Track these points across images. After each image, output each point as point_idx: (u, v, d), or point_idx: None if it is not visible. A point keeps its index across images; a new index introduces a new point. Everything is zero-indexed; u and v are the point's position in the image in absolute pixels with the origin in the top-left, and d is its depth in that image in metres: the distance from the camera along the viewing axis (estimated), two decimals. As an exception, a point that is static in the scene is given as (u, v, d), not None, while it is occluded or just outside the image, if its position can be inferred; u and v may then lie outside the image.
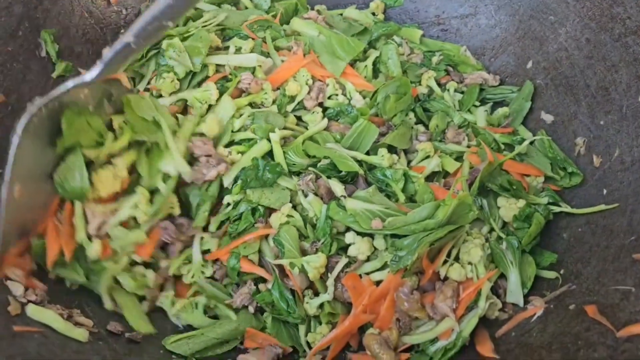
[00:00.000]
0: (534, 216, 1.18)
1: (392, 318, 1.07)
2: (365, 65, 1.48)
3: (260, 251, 1.15)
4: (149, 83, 1.40)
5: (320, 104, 1.37)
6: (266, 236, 1.15)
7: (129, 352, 0.98)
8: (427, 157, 1.30)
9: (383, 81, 1.44)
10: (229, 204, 1.18)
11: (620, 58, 1.19)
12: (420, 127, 1.40)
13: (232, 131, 1.25)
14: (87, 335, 0.94)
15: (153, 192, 1.10)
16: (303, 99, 1.35)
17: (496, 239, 1.18)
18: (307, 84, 1.36)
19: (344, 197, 1.13)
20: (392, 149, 1.27)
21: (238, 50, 1.42)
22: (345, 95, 1.39)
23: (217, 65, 1.39)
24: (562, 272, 1.13)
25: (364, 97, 1.38)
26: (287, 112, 1.34)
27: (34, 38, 1.26)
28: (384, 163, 1.20)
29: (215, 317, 1.14)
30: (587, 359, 0.85)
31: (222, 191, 1.19)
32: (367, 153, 1.24)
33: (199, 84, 1.37)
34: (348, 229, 1.12)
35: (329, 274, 1.10)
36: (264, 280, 1.14)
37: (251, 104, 1.32)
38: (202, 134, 1.21)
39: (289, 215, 1.14)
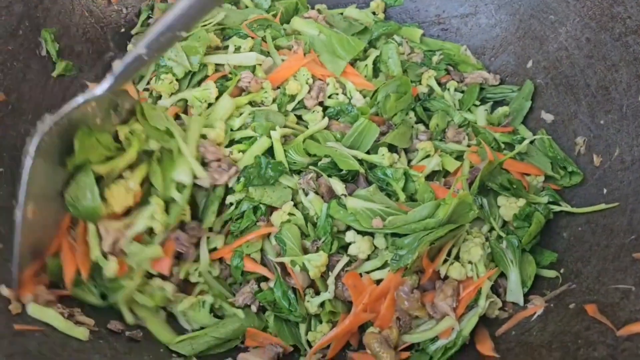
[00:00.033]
0: (534, 215, 1.18)
1: (393, 317, 1.07)
2: (366, 65, 1.48)
3: (262, 250, 1.15)
4: (148, 83, 1.40)
5: (321, 103, 1.37)
6: (268, 235, 1.16)
7: (129, 350, 0.98)
8: (428, 156, 1.30)
9: (383, 80, 1.45)
10: (231, 204, 1.18)
11: (621, 57, 1.19)
12: (421, 127, 1.40)
13: (232, 129, 1.26)
14: (88, 334, 0.94)
15: (166, 201, 1.09)
16: (303, 98, 1.35)
17: (496, 238, 1.19)
18: (307, 83, 1.36)
19: (345, 195, 1.13)
20: (392, 148, 1.28)
21: (237, 49, 1.42)
22: (345, 94, 1.39)
23: (217, 64, 1.39)
24: (562, 271, 1.13)
25: (364, 97, 1.38)
26: (288, 111, 1.34)
27: (34, 37, 1.26)
28: (385, 162, 1.20)
29: (218, 317, 1.14)
30: (587, 358, 0.85)
31: (227, 191, 1.19)
32: (368, 152, 1.24)
33: (199, 84, 1.37)
34: (348, 227, 1.12)
35: (329, 273, 1.10)
36: (266, 280, 1.14)
37: (251, 103, 1.33)
38: (203, 136, 1.21)
39: (290, 214, 1.14)
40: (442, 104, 1.44)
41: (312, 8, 1.66)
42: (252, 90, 1.33)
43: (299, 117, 1.35)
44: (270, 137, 1.20)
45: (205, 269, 1.13)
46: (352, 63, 1.46)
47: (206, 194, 1.17)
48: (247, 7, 1.61)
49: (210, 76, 1.37)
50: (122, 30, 1.50)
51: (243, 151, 1.22)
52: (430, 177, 1.26)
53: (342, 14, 1.67)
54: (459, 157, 1.31)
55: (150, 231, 1.07)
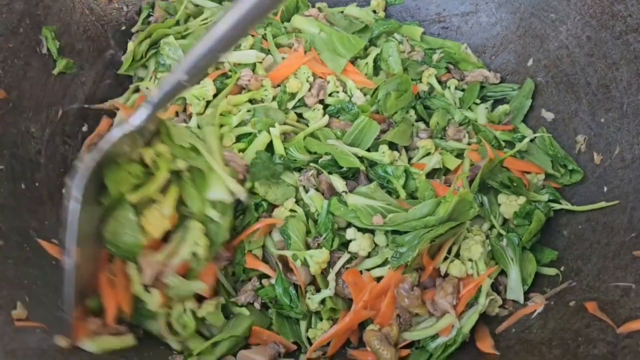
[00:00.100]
0: (534, 213, 1.18)
1: (393, 314, 1.07)
2: (366, 63, 1.48)
3: (264, 247, 1.15)
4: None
5: (321, 101, 1.37)
6: (270, 231, 1.16)
7: (130, 347, 0.99)
8: (428, 154, 1.30)
9: (384, 78, 1.44)
10: None
11: (621, 56, 1.19)
12: (421, 125, 1.40)
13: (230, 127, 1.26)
14: (133, 337, 0.95)
15: (203, 222, 1.06)
16: (304, 96, 1.35)
17: (497, 236, 1.19)
18: (307, 81, 1.36)
19: (345, 192, 1.13)
20: (392, 146, 1.28)
21: (237, 47, 1.42)
22: (346, 92, 1.39)
23: (217, 62, 1.39)
24: (562, 269, 1.13)
25: (365, 95, 1.38)
26: (288, 109, 1.34)
27: (35, 35, 1.26)
28: (385, 160, 1.20)
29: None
30: (587, 355, 0.85)
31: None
32: (368, 150, 1.24)
33: (199, 82, 1.37)
34: (349, 225, 1.12)
35: (330, 270, 1.10)
36: (268, 277, 1.14)
37: (251, 101, 1.33)
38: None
39: (291, 210, 1.14)
40: (443, 102, 1.44)
41: (313, 6, 1.65)
42: (252, 88, 1.33)
43: (300, 115, 1.35)
44: (270, 133, 1.20)
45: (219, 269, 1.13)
46: (353, 61, 1.46)
47: None
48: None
49: (210, 74, 1.37)
50: (123, 28, 1.50)
51: (243, 150, 1.22)
52: (430, 175, 1.26)
53: (342, 12, 1.66)
54: (460, 155, 1.31)
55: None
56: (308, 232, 1.14)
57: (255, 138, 1.21)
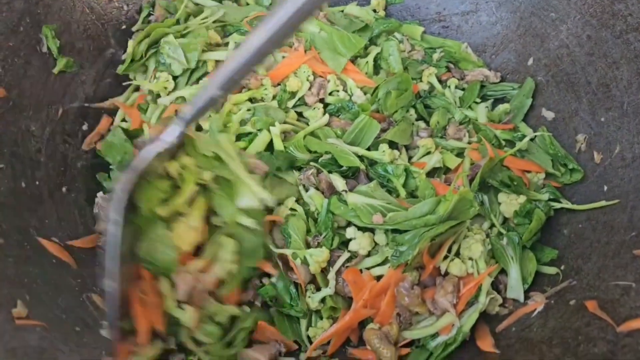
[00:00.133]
0: (534, 212, 1.18)
1: (393, 313, 1.07)
2: (366, 62, 1.48)
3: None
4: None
5: (321, 100, 1.37)
6: (270, 230, 1.16)
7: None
8: (428, 153, 1.30)
9: (384, 77, 1.44)
10: None
11: (622, 55, 1.19)
12: (421, 124, 1.40)
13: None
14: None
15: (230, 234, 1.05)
16: (304, 95, 1.35)
17: (497, 235, 1.19)
18: (308, 80, 1.36)
19: (345, 191, 1.13)
20: (393, 145, 1.28)
21: (238, 46, 1.42)
22: (346, 91, 1.39)
23: (217, 61, 1.39)
24: (562, 267, 1.13)
25: (365, 93, 1.38)
26: (288, 108, 1.34)
27: (35, 33, 1.26)
28: (385, 158, 1.21)
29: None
30: (587, 354, 0.85)
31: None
32: (368, 149, 1.24)
33: (198, 80, 1.37)
34: (349, 223, 1.12)
35: (330, 268, 1.10)
36: (269, 276, 1.14)
37: (251, 100, 1.33)
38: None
39: (292, 209, 1.14)
40: (443, 101, 1.44)
41: (313, 5, 1.66)
42: (252, 87, 1.33)
43: (300, 114, 1.35)
44: (270, 132, 1.20)
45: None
46: (353, 60, 1.46)
47: None
48: (248, 4, 1.61)
49: (210, 73, 1.37)
50: (123, 27, 1.50)
51: (244, 149, 1.22)
52: (430, 173, 1.26)
53: (342, 11, 1.66)
54: (460, 154, 1.31)
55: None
56: (308, 231, 1.14)
57: (256, 137, 1.21)
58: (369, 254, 1.12)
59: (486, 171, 1.20)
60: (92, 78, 1.40)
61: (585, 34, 1.29)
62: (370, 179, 1.19)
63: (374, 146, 1.25)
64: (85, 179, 1.30)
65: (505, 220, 1.23)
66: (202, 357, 1.00)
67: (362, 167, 1.19)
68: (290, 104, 1.35)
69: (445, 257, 1.10)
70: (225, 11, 1.50)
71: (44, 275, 1.01)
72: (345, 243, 1.14)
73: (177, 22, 1.47)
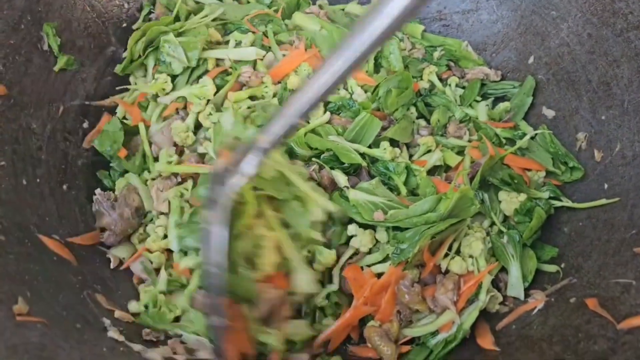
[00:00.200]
0: (535, 210, 1.18)
1: (393, 310, 1.07)
2: (367, 60, 1.48)
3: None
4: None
5: (322, 98, 1.36)
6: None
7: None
8: (429, 151, 1.30)
9: (384, 76, 1.44)
10: None
11: (622, 53, 1.19)
12: (422, 122, 1.40)
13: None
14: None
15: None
16: (305, 93, 1.35)
17: (497, 233, 1.19)
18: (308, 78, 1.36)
19: (347, 187, 1.13)
20: (393, 143, 1.28)
21: (238, 44, 1.42)
22: (346, 89, 1.39)
23: (218, 59, 1.39)
24: (563, 265, 1.13)
25: (366, 92, 1.38)
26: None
27: (36, 31, 1.26)
28: (386, 156, 1.21)
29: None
30: (587, 351, 0.85)
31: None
32: (369, 146, 1.24)
33: (199, 79, 1.37)
34: (350, 220, 1.12)
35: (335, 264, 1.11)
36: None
37: (251, 98, 1.33)
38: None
39: None
40: (444, 100, 1.44)
41: (314, 4, 1.66)
42: (253, 85, 1.33)
43: (300, 112, 1.35)
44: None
45: None
46: (354, 58, 1.46)
47: None
48: (248, 2, 1.61)
49: (211, 71, 1.37)
50: (124, 25, 1.50)
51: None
52: (431, 171, 1.26)
53: (343, 9, 1.66)
54: (460, 152, 1.31)
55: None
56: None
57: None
58: (369, 252, 1.12)
59: (486, 169, 1.20)
60: (92, 76, 1.40)
61: (586, 32, 1.29)
62: (371, 177, 1.19)
63: (374, 144, 1.25)
64: (86, 176, 1.30)
65: (506, 218, 1.23)
66: None
67: (364, 164, 1.19)
68: (291, 102, 1.34)
69: (446, 255, 1.11)
70: (225, 9, 1.50)
71: (44, 273, 1.00)
72: (346, 240, 1.14)
73: (175, 20, 1.47)
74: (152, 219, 1.25)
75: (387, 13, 0.63)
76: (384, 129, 1.28)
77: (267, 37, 1.45)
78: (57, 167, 1.24)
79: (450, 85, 1.50)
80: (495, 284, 1.15)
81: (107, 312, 1.05)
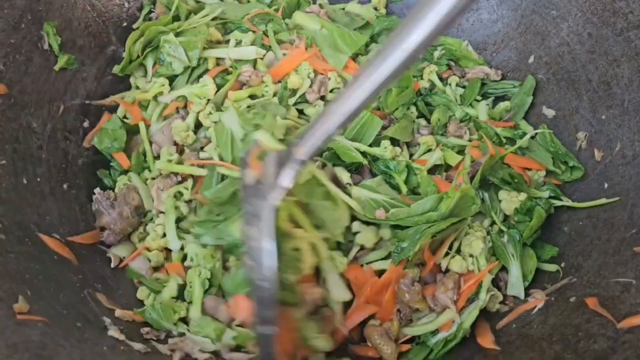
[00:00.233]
0: (535, 209, 1.18)
1: (393, 309, 1.07)
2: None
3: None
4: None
5: (322, 97, 1.37)
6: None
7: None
8: (429, 150, 1.30)
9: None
10: None
11: (622, 53, 1.19)
12: (422, 121, 1.40)
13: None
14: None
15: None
16: (305, 92, 1.35)
17: (497, 232, 1.19)
18: (308, 77, 1.36)
19: (350, 184, 1.13)
20: (394, 142, 1.28)
21: (239, 43, 1.42)
22: (347, 88, 1.39)
23: (218, 58, 1.39)
24: (563, 265, 1.13)
25: (366, 91, 1.38)
26: (289, 105, 1.34)
27: (37, 30, 1.26)
28: (387, 155, 1.21)
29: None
30: (587, 350, 0.85)
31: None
32: (370, 145, 1.24)
33: (199, 78, 1.37)
34: (354, 218, 1.12)
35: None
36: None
37: (252, 97, 1.33)
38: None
39: None
40: (444, 99, 1.44)
41: (314, 3, 1.66)
42: (253, 84, 1.33)
43: (301, 112, 1.35)
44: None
45: None
46: (354, 58, 1.46)
47: None
48: (249, 1, 1.61)
49: (211, 71, 1.37)
50: (124, 24, 1.50)
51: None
52: (431, 171, 1.26)
53: (344, 9, 1.66)
54: (461, 151, 1.31)
55: None
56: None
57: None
58: (373, 248, 1.12)
59: (487, 168, 1.20)
60: (93, 75, 1.40)
61: (586, 32, 1.29)
62: (373, 175, 1.19)
63: (375, 143, 1.25)
64: (86, 175, 1.31)
65: (506, 217, 1.23)
66: None
67: (365, 162, 1.19)
68: (291, 101, 1.35)
69: (446, 254, 1.11)
70: (225, 8, 1.50)
71: (45, 271, 1.01)
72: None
73: (175, 20, 1.47)
74: (152, 218, 1.25)
75: (429, 20, 0.62)
76: (384, 128, 1.28)
77: (268, 36, 1.45)
78: (57, 166, 1.24)
79: (450, 84, 1.50)
80: (495, 283, 1.15)
81: (108, 311, 1.05)
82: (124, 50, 1.45)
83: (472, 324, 1.07)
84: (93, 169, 1.32)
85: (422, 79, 1.51)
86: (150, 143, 1.32)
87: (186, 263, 1.16)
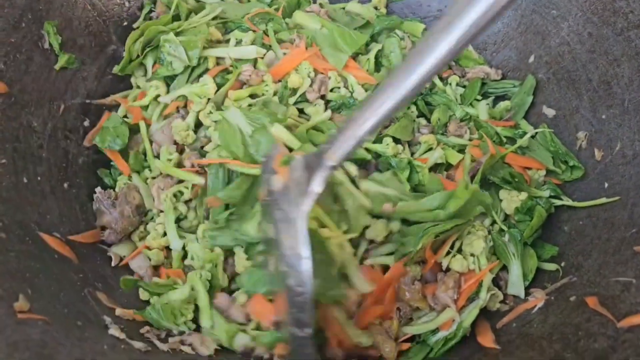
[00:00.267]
0: (535, 209, 1.18)
1: (394, 308, 1.07)
2: (368, 59, 1.48)
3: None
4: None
5: (322, 97, 1.37)
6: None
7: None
8: (430, 149, 1.30)
9: (385, 74, 1.44)
10: None
11: (623, 52, 1.19)
12: (422, 120, 1.40)
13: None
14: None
15: None
16: (305, 91, 1.35)
17: (498, 231, 1.19)
18: (309, 76, 1.36)
19: (357, 176, 1.13)
20: (395, 141, 1.28)
21: (239, 42, 1.42)
22: (347, 88, 1.39)
23: (218, 58, 1.39)
24: (563, 264, 1.13)
25: (366, 90, 1.38)
26: (289, 104, 1.34)
27: (37, 29, 1.26)
28: (389, 151, 1.21)
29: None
30: (587, 349, 0.85)
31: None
32: (372, 142, 1.24)
33: (199, 77, 1.37)
34: None
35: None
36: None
37: (252, 96, 1.33)
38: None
39: None
40: (444, 98, 1.44)
41: (314, 2, 1.66)
42: (253, 84, 1.33)
43: (301, 111, 1.35)
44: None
45: None
46: (354, 57, 1.46)
47: None
48: (249, 0, 1.61)
49: (211, 70, 1.37)
50: (125, 23, 1.50)
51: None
52: (432, 169, 1.26)
53: (344, 8, 1.66)
54: (461, 151, 1.31)
55: None
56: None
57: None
58: (382, 242, 1.12)
59: (487, 168, 1.20)
60: (93, 74, 1.40)
61: (587, 32, 1.29)
62: (379, 171, 1.19)
63: (377, 141, 1.25)
64: (87, 174, 1.31)
65: (507, 217, 1.23)
66: None
67: (369, 157, 1.19)
68: (292, 100, 1.35)
69: (447, 253, 1.11)
70: (226, 8, 1.50)
71: (45, 270, 1.01)
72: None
73: (176, 19, 1.47)
74: (152, 217, 1.25)
75: (464, 22, 0.62)
76: (384, 127, 1.28)
77: (268, 35, 1.45)
78: (58, 165, 1.24)
79: (450, 84, 1.50)
80: (495, 282, 1.15)
81: (108, 309, 1.05)
82: (124, 50, 1.45)
83: (472, 322, 1.07)
84: (93, 168, 1.33)
85: (422, 78, 1.51)
86: (151, 142, 1.32)
87: (186, 262, 1.17)
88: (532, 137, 1.33)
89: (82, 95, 1.36)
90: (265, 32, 1.46)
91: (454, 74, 1.53)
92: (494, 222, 1.21)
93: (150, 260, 1.19)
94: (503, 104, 1.46)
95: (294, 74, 1.34)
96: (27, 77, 1.22)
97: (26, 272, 0.97)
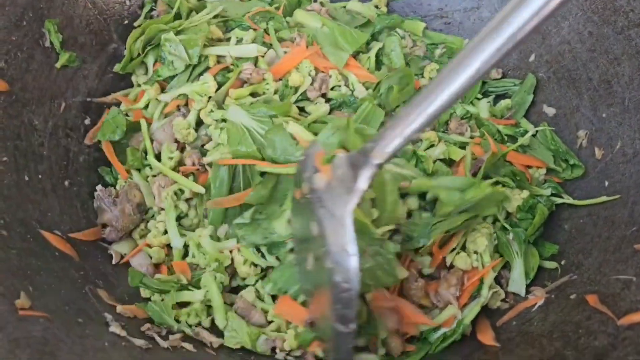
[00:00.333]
0: (537, 207, 1.18)
1: (399, 304, 1.07)
2: (368, 57, 1.48)
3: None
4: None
5: (323, 95, 1.37)
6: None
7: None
8: (432, 145, 1.30)
9: (386, 73, 1.44)
10: None
11: (623, 51, 1.19)
12: (423, 119, 1.40)
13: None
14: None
15: None
16: (306, 90, 1.35)
17: (501, 229, 1.19)
18: (310, 75, 1.36)
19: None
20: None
21: (239, 41, 1.42)
22: (348, 86, 1.39)
23: (219, 56, 1.39)
24: (563, 262, 1.13)
25: (367, 89, 1.38)
26: (290, 103, 1.34)
27: (38, 28, 1.26)
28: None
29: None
30: (587, 347, 0.85)
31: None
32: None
33: (200, 76, 1.37)
34: None
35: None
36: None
37: (253, 95, 1.33)
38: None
39: None
40: (444, 97, 1.44)
41: (315, 1, 1.66)
42: (254, 82, 1.33)
43: (302, 109, 1.35)
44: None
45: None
46: (355, 55, 1.46)
47: None
48: (250, -1, 1.61)
49: (212, 68, 1.37)
50: (126, 22, 1.50)
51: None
52: (434, 166, 1.26)
53: (344, 7, 1.66)
54: (462, 148, 1.31)
55: None
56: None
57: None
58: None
59: (489, 166, 1.20)
60: (94, 73, 1.40)
61: (587, 31, 1.29)
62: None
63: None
64: (88, 172, 1.31)
65: (508, 215, 1.23)
66: None
67: None
68: (293, 99, 1.35)
69: (452, 250, 1.11)
70: (226, 6, 1.50)
71: (46, 268, 1.01)
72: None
73: (176, 18, 1.47)
74: (153, 215, 1.26)
75: (516, 21, 0.61)
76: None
77: (269, 34, 1.45)
78: (58, 163, 1.25)
79: (451, 82, 1.50)
80: (496, 280, 1.15)
81: (109, 307, 1.05)
82: (125, 48, 1.45)
83: (473, 321, 1.07)
84: (94, 166, 1.33)
85: (423, 77, 1.51)
86: (152, 140, 1.32)
87: (187, 259, 1.17)
88: (533, 135, 1.34)
89: (83, 94, 1.36)
90: (266, 31, 1.46)
91: (455, 72, 1.53)
92: (495, 220, 1.21)
93: (151, 258, 1.20)
94: (504, 103, 1.46)
95: (294, 73, 1.34)
96: (28, 75, 1.22)
97: (27, 269, 0.97)
